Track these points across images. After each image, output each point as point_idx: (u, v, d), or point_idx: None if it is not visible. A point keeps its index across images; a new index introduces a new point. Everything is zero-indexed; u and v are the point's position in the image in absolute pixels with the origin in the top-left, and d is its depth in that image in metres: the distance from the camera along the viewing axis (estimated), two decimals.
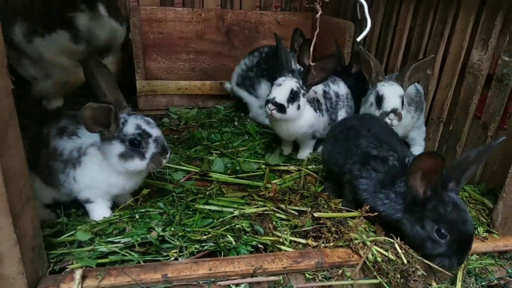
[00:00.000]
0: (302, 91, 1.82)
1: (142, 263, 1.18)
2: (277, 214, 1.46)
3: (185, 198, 1.52)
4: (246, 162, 1.95)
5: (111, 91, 1.31)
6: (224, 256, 1.25)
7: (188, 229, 1.28)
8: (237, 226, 1.32)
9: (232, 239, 1.29)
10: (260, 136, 2.24)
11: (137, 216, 1.35)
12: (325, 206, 1.49)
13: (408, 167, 1.27)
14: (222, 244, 1.25)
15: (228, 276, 1.15)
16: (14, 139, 0.95)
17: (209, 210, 1.43)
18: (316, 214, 1.40)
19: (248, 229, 1.33)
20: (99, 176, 1.33)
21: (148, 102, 2.54)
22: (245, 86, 2.47)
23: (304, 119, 1.87)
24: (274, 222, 1.40)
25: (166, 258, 1.21)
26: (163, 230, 1.26)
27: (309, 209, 1.47)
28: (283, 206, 1.48)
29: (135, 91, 2.52)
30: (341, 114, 2.12)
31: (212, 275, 1.14)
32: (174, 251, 1.21)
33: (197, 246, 1.25)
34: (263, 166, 1.93)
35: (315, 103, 1.94)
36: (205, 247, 1.25)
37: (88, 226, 1.28)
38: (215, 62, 3.13)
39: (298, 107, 1.80)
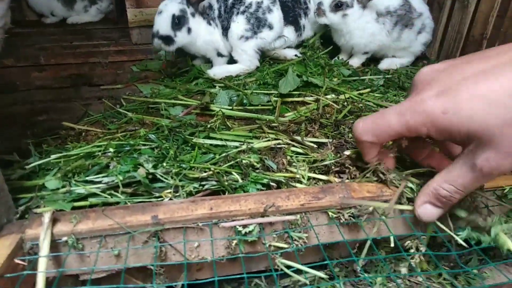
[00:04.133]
0: (190, 10, 1.69)
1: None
2: (292, 148, 1.22)
3: (182, 132, 1.28)
4: (254, 94, 1.69)
5: None
6: None
7: (185, 166, 1.05)
8: (244, 161, 1.09)
9: (238, 176, 1.06)
10: (270, 65, 1.95)
11: (125, 149, 1.13)
12: (350, 136, 1.24)
13: None
14: (226, 182, 1.03)
15: (234, 216, 0.94)
16: None
17: (211, 144, 1.19)
18: (347, 152, 1.13)
19: (258, 165, 1.10)
20: None
21: (143, 35, 2.25)
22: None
23: (199, 39, 1.77)
24: (288, 157, 1.16)
25: (159, 200, 1.00)
26: (154, 167, 1.04)
27: (330, 140, 1.23)
28: (298, 138, 1.24)
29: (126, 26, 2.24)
30: (238, 21, 1.78)
31: (214, 216, 0.92)
32: (168, 191, 0.99)
33: (195, 185, 1.03)
34: (274, 99, 1.67)
35: (208, 14, 1.77)
36: (206, 186, 1.03)
37: (62, 165, 1.06)
38: None
39: (189, 31, 1.69)
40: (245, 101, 1.64)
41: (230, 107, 1.58)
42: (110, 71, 1.96)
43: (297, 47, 2.10)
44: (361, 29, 1.81)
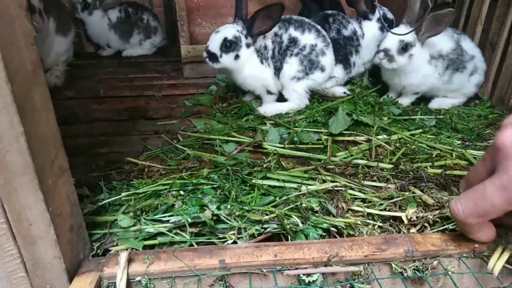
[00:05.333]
0: (246, 40, 1.74)
1: (195, 245, 1.00)
2: (350, 191, 1.22)
3: (240, 171, 1.32)
4: (304, 132, 1.72)
5: None
6: (290, 240, 1.04)
7: (247, 208, 1.08)
8: (303, 204, 1.10)
9: (298, 220, 1.07)
10: (319, 102, 1.98)
11: (188, 189, 1.17)
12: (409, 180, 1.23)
13: None
14: (287, 226, 1.04)
15: (297, 265, 0.95)
16: (41, 99, 0.78)
17: (269, 185, 1.22)
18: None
19: (317, 208, 1.11)
20: None
21: (194, 70, 2.35)
22: None
23: (247, 70, 1.81)
24: (347, 200, 1.17)
25: (222, 240, 1.03)
26: (218, 208, 1.07)
27: (389, 184, 1.22)
28: (356, 180, 1.24)
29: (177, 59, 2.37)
30: (291, 63, 1.81)
31: (278, 263, 0.94)
32: (232, 232, 1.02)
33: (257, 227, 1.05)
34: (324, 137, 1.68)
35: (262, 53, 1.81)
36: (268, 229, 1.05)
37: (132, 202, 1.12)
38: None
39: (236, 57, 1.74)
40: (295, 139, 1.67)
41: (281, 145, 1.61)
42: (164, 104, 2.05)
43: (345, 83, 2.13)
44: (415, 70, 1.81)
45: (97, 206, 1.14)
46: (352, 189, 1.24)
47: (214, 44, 1.75)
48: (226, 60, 1.76)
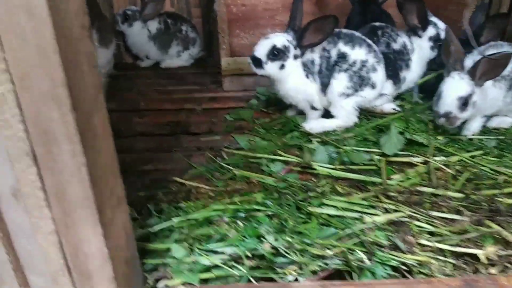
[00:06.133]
0: (294, 51, 1.69)
1: (253, 281, 0.93)
2: (416, 222, 1.12)
3: (293, 195, 1.24)
4: (354, 151, 1.62)
5: None
6: (354, 278, 0.95)
7: (308, 241, 0.99)
8: (369, 238, 1.01)
9: (363, 255, 0.98)
10: (367, 119, 1.88)
11: (241, 215, 1.11)
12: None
13: None
14: (353, 263, 0.95)
15: None
16: (102, 125, 0.73)
17: (328, 214, 1.13)
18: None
19: (384, 243, 1.01)
20: None
21: (234, 82, 2.30)
22: None
23: (291, 82, 1.75)
24: (414, 233, 1.07)
25: (281, 276, 0.95)
26: (275, 239, 1.00)
27: (462, 217, 1.11)
28: (423, 210, 1.14)
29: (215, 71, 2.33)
30: (340, 79, 1.72)
31: None
32: (293, 268, 0.94)
33: (319, 263, 0.96)
34: (376, 157, 1.58)
35: (308, 67, 1.74)
36: (331, 265, 0.96)
37: (184, 228, 1.06)
38: None
39: (282, 67, 1.69)
40: (345, 158, 1.58)
41: (330, 165, 1.52)
42: (205, 118, 2.00)
43: (394, 98, 2.01)
44: (484, 94, 1.65)
45: (147, 231, 1.09)
46: (418, 220, 1.13)
47: (261, 50, 1.69)
48: (271, 68, 1.70)
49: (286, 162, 1.55)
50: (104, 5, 2.69)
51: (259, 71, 1.72)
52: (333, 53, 1.73)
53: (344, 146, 1.63)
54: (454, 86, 1.62)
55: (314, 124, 1.80)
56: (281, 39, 1.69)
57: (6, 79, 0.58)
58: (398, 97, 2.04)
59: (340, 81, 1.72)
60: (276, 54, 1.68)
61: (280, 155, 1.58)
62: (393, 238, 1.03)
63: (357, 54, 1.72)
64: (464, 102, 1.60)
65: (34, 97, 0.60)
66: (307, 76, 1.76)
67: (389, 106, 1.91)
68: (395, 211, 1.15)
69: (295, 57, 1.71)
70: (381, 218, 1.09)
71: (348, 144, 1.67)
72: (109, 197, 0.76)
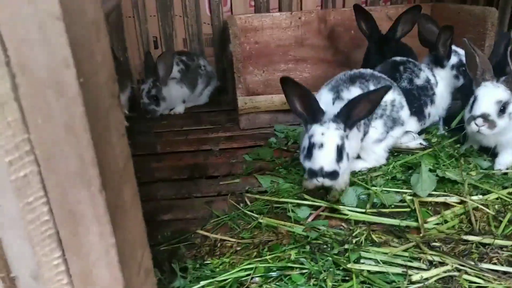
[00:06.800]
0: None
1: None
2: (465, 275, 1.02)
3: (326, 247, 1.16)
4: (384, 192, 1.54)
5: None
6: None
7: None
8: None
9: None
10: (394, 156, 1.80)
11: (274, 275, 1.02)
12: None
13: None
14: None
15: None
16: (131, 197, 0.68)
17: (368, 271, 1.04)
18: None
19: None
20: None
21: (251, 121, 2.26)
22: None
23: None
24: None
25: None
26: None
27: None
28: (472, 262, 1.04)
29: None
30: (376, 126, 1.65)
31: None
32: None
33: None
34: (408, 197, 1.50)
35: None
36: None
37: None
38: (316, 70, 2.79)
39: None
40: (375, 200, 1.50)
41: (360, 208, 1.44)
42: (223, 160, 1.95)
43: (419, 132, 1.94)
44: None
45: None
46: (467, 273, 1.03)
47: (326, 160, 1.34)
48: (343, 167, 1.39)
49: (313, 207, 1.47)
50: (116, 47, 2.69)
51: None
52: None
53: (373, 187, 1.56)
54: (491, 91, 1.55)
55: None
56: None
57: (30, 161, 0.53)
58: (423, 131, 1.96)
59: (376, 130, 1.65)
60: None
61: (306, 199, 1.51)
62: None
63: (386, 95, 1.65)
64: (502, 108, 1.52)
65: (60, 178, 0.54)
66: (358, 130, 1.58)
67: (415, 142, 1.84)
68: (441, 263, 1.06)
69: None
70: (429, 274, 1.00)
71: (376, 183, 1.59)
72: (137, 272, 0.70)
